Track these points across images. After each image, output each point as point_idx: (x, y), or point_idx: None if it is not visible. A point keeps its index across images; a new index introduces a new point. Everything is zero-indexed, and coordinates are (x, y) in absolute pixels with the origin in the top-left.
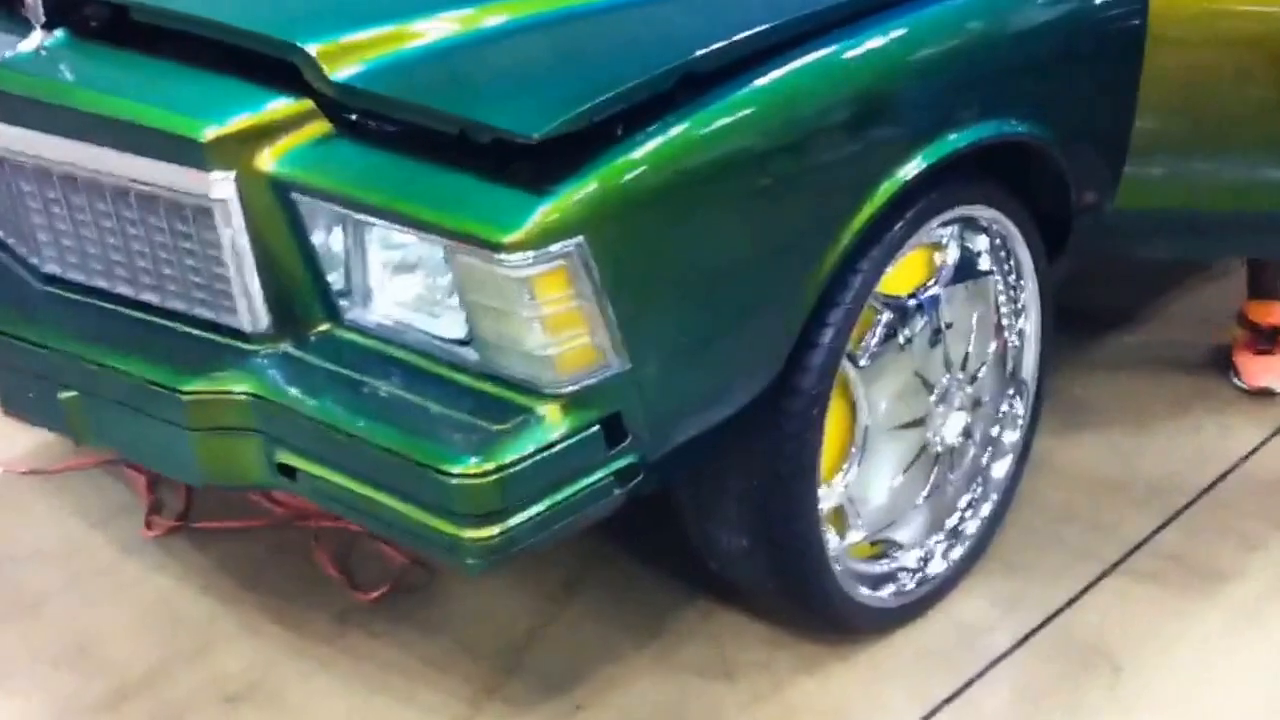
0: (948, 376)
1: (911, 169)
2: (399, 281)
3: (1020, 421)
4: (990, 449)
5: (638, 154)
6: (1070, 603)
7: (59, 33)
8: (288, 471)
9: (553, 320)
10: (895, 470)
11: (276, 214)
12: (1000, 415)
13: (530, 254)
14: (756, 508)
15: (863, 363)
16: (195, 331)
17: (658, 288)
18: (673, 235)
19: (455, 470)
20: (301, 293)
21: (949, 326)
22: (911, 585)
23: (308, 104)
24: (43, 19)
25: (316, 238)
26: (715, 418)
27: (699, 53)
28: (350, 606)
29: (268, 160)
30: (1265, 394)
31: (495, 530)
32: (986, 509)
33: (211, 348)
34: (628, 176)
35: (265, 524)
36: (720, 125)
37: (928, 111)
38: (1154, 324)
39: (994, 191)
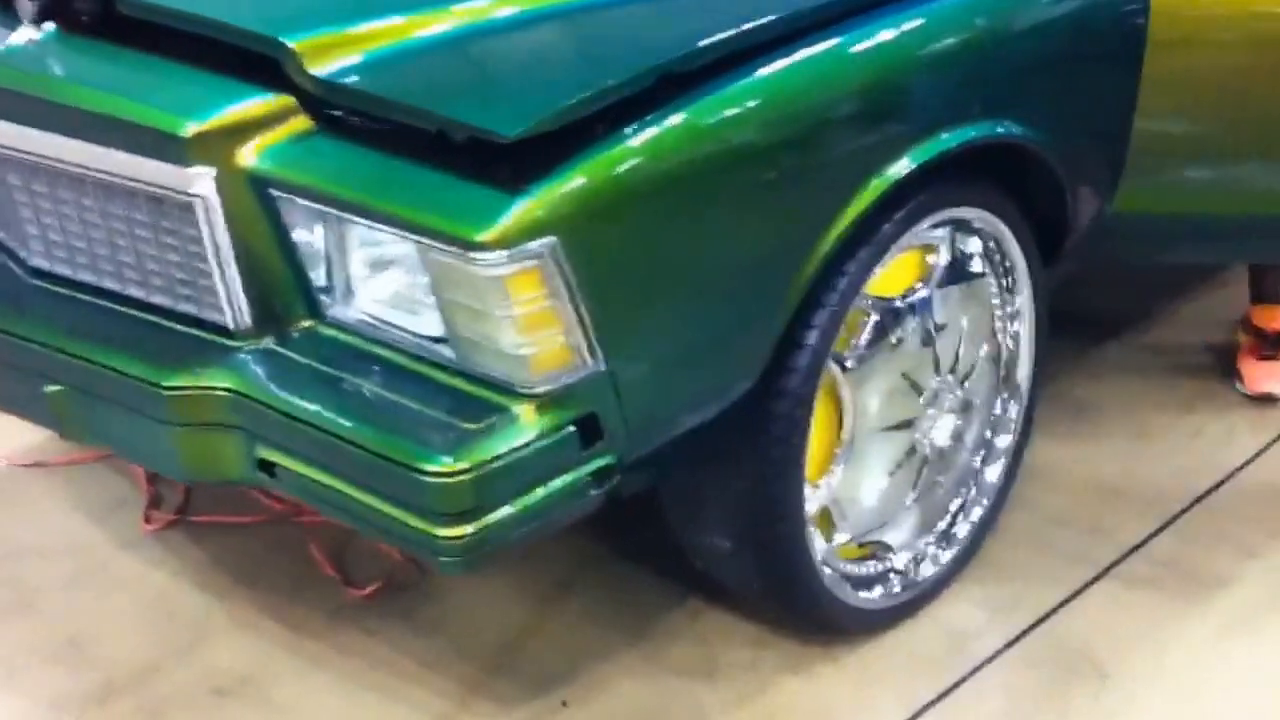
0: (938, 379)
1: (897, 171)
2: (379, 279)
3: (1014, 425)
4: (983, 452)
5: (614, 154)
6: (1060, 607)
7: (48, 27)
8: (267, 467)
9: (526, 320)
10: (883, 472)
11: (256, 210)
12: (993, 419)
13: (503, 253)
14: (741, 509)
15: (850, 364)
16: (179, 327)
17: (634, 288)
18: (650, 236)
19: (429, 468)
20: (283, 289)
21: (940, 329)
22: (901, 588)
23: (289, 100)
24: (32, 13)
25: (297, 234)
26: (696, 419)
27: (680, 52)
28: (344, 603)
29: (248, 156)
30: (1268, 399)
31: (469, 529)
32: (978, 512)
33: (194, 343)
34: (603, 176)
35: (262, 519)
36: (700, 125)
37: (915, 112)
38: (1158, 328)
39: (987, 194)
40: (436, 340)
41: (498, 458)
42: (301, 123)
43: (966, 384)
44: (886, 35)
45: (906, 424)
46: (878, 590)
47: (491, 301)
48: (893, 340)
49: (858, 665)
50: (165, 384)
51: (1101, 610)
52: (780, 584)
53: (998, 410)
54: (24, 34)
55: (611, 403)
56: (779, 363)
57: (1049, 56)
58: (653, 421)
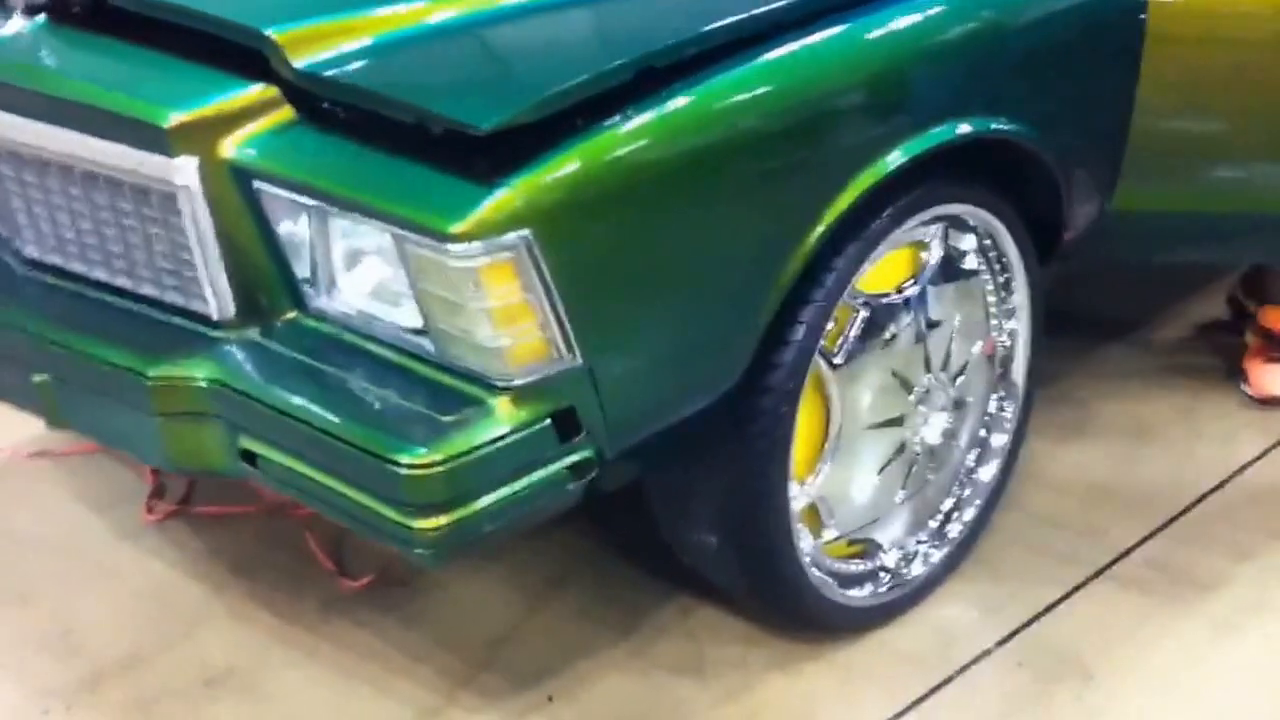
0: (928, 376)
1: (884, 168)
2: (360, 271)
3: (1008, 424)
4: (977, 451)
5: (590, 147)
6: (1049, 609)
7: (40, 18)
8: (249, 458)
9: (501, 312)
10: (872, 469)
11: (239, 201)
12: (988, 417)
13: (476, 245)
14: (725, 505)
15: (838, 361)
16: (165, 317)
17: (612, 283)
18: (629, 230)
19: (403, 460)
20: (267, 281)
21: (931, 326)
22: (891, 586)
23: (273, 91)
24: (24, 4)
25: (279, 225)
26: (679, 414)
27: (660, 46)
28: (337, 595)
29: (230, 147)
30: (1273, 403)
31: (444, 521)
32: (970, 512)
33: (180, 333)
34: (579, 170)
35: (263, 510)
36: (681, 119)
37: (904, 108)
38: (1162, 329)
39: (980, 191)
40: (416, 333)
41: (472, 450)
42: (285, 114)
43: (959, 382)
44: (873, 30)
45: (896, 421)
46: (867, 588)
47: (465, 294)
48: (883, 337)
49: (844, 663)
50: (149, 374)
51: (1092, 611)
52: (765, 581)
53: (993, 409)
54: (15, 24)
55: (590, 397)
56: (764, 358)
57: (1045, 53)
58: (633, 416)
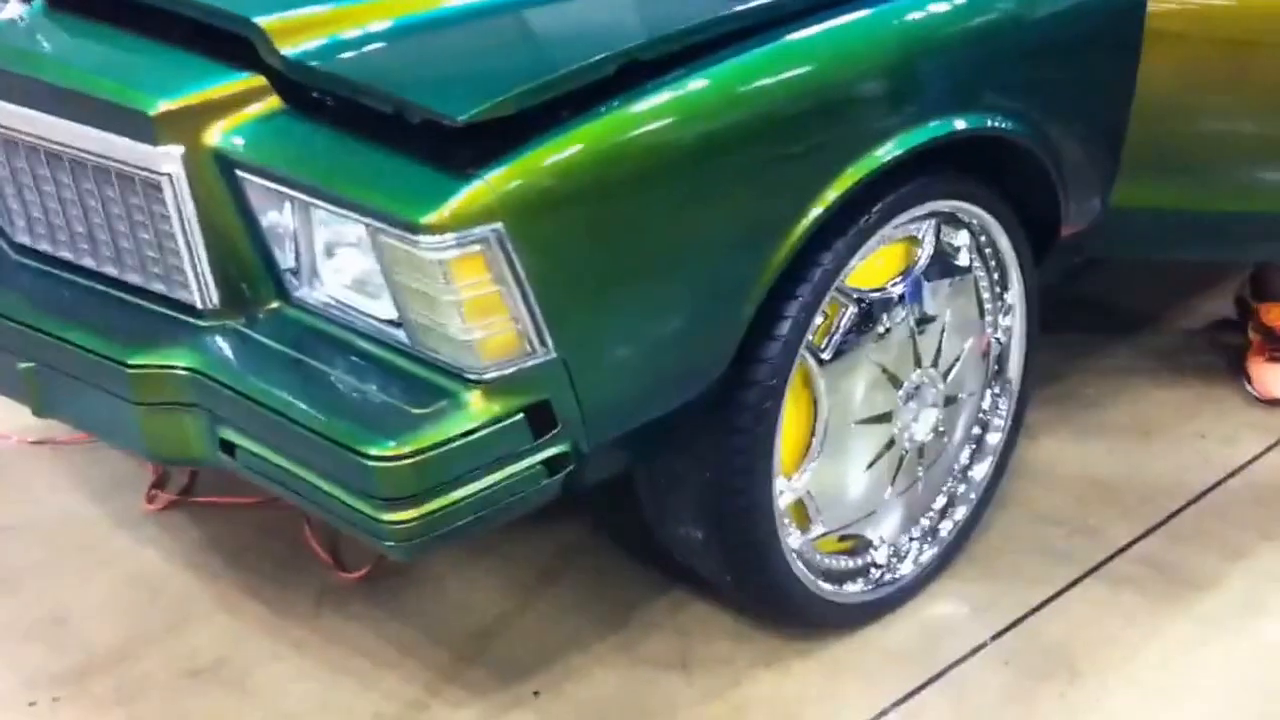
0: (918, 372)
1: (875, 162)
2: (340, 261)
3: (1004, 422)
4: (971, 448)
5: (566, 141)
6: (1041, 607)
7: (36, 4)
8: (228, 448)
9: (472, 305)
10: (860, 465)
11: (223, 190)
12: (983, 414)
13: (445, 237)
14: (710, 500)
15: (825, 356)
16: (150, 306)
17: (587, 277)
18: (605, 225)
19: (372, 452)
20: (250, 270)
21: (924, 322)
22: (881, 583)
23: (260, 80)
24: None
25: (262, 214)
26: (659, 409)
27: (642, 40)
28: (330, 588)
29: (215, 135)
30: (1277, 404)
31: (413, 514)
32: (963, 510)
33: (163, 322)
34: (553, 163)
35: (263, 501)
36: (662, 113)
37: (895, 103)
38: (1169, 327)
39: (973, 187)
40: (392, 324)
41: (443, 443)
42: (273, 104)
43: (950, 378)
44: (863, 26)
45: (884, 417)
46: (856, 585)
47: (436, 286)
48: (873, 333)
49: (832, 660)
50: (129, 362)
51: (1082, 610)
52: (750, 576)
53: (987, 405)
54: (11, 9)
55: (565, 391)
56: (750, 353)
57: (1043, 50)
58: (611, 411)
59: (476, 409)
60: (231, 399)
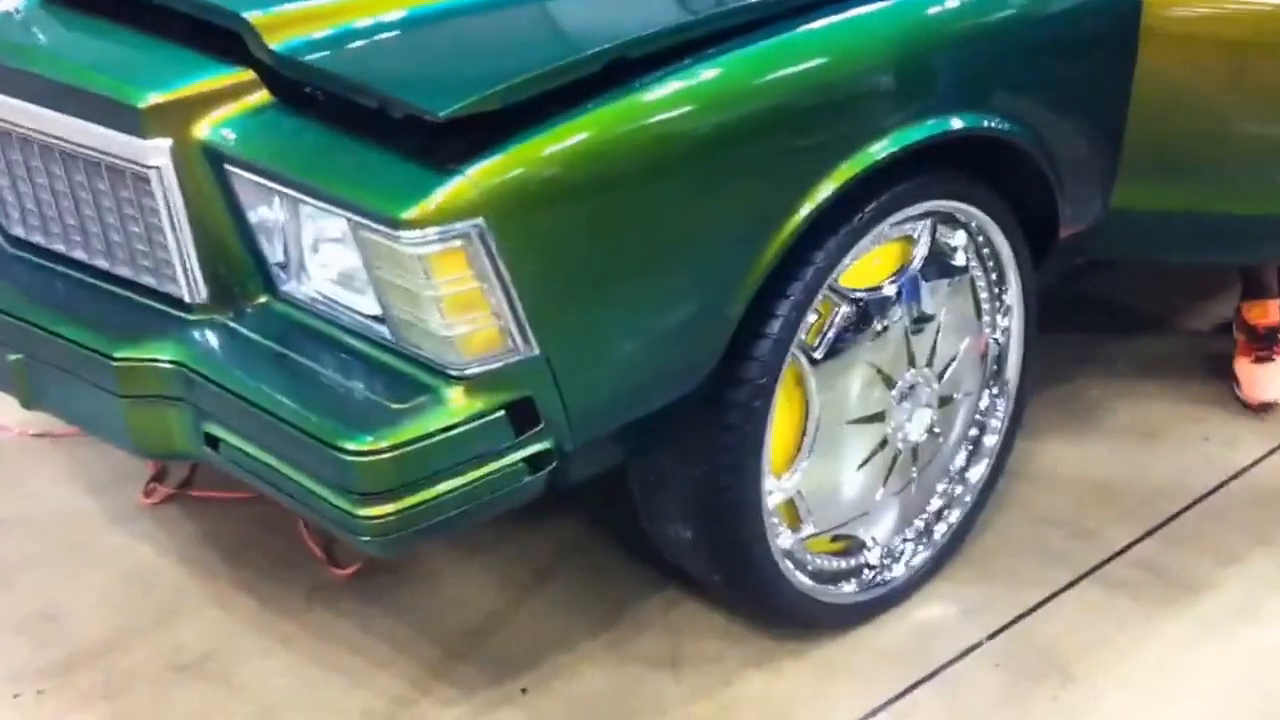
0: (912, 372)
1: (868, 159)
2: (326, 256)
3: (1000, 424)
4: (968, 450)
5: (550, 137)
6: (1035, 609)
7: None
8: (212, 442)
9: (453, 301)
10: (852, 465)
11: (211, 183)
12: (980, 416)
13: (426, 231)
14: (699, 499)
15: (818, 355)
16: (140, 299)
17: (571, 273)
18: (590, 222)
19: (350, 447)
20: (238, 264)
21: (919, 321)
22: (873, 584)
23: (248, 74)
24: None
25: (250, 209)
26: (645, 408)
27: (631, 37)
28: (321, 584)
29: (204, 129)
30: (1268, 408)
31: (390, 509)
32: (958, 511)
33: (152, 316)
34: (537, 159)
35: (260, 496)
36: (649, 110)
37: (891, 101)
38: (1175, 330)
39: (969, 187)
40: (376, 320)
41: (421, 439)
42: (262, 98)
43: (945, 378)
44: (856, 25)
45: (877, 417)
46: (848, 585)
47: (417, 281)
48: (866, 332)
49: (823, 660)
50: (115, 355)
51: (1076, 612)
52: (738, 575)
53: (984, 406)
54: (9, 3)
55: (549, 388)
56: (740, 351)
57: (1040, 51)
58: (595, 409)
59: (457, 405)
60: (215, 393)
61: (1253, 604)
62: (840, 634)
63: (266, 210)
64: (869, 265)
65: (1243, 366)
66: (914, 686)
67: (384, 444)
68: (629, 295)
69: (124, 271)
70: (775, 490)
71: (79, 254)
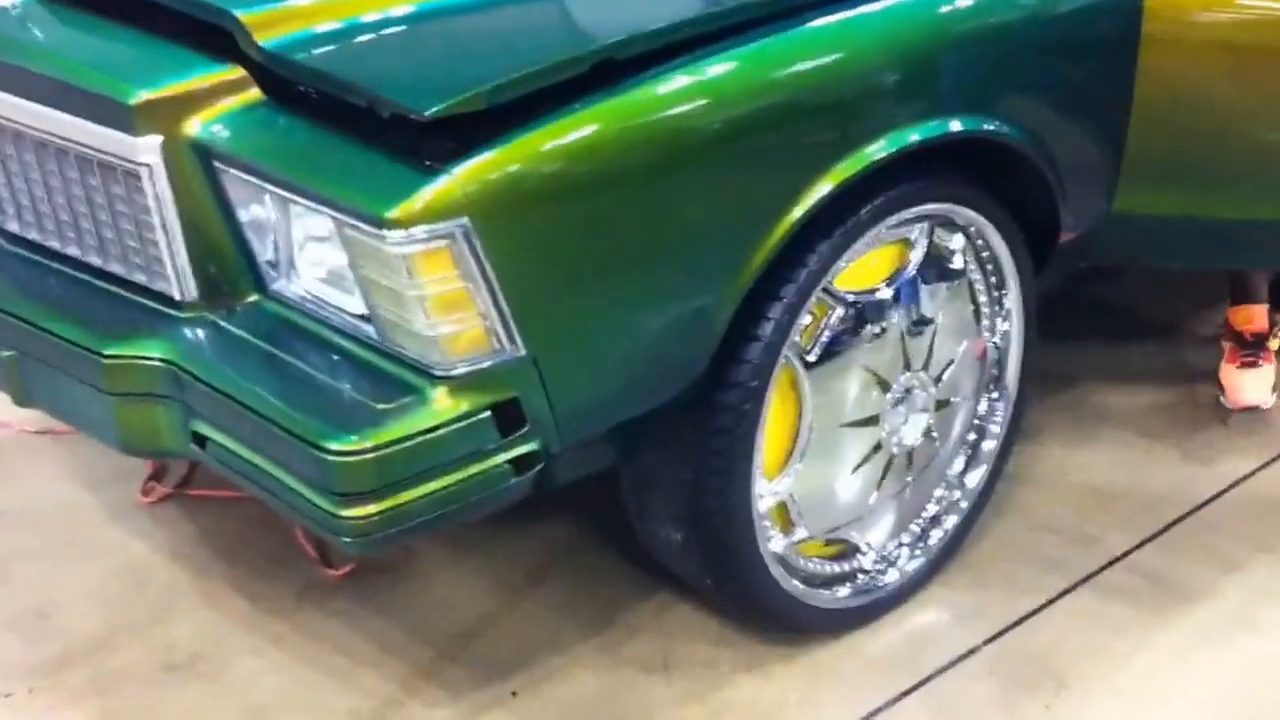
0: (907, 375)
1: (864, 159)
2: (315, 255)
3: (999, 429)
4: (966, 455)
5: (538, 136)
6: (1030, 616)
7: None
8: (200, 441)
9: (437, 301)
10: (846, 469)
11: (201, 181)
12: (977, 420)
13: (410, 231)
14: (688, 501)
15: (811, 358)
16: (131, 296)
17: (558, 273)
18: (577, 221)
19: (332, 446)
20: (228, 262)
21: (918, 324)
22: (868, 589)
23: (239, 72)
24: None
25: (239, 206)
26: (634, 409)
27: (620, 38)
28: (313, 583)
29: (194, 126)
30: (1252, 411)
31: (372, 510)
32: (954, 517)
33: (142, 313)
34: (524, 159)
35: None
36: (638, 109)
37: (888, 103)
38: (1181, 338)
39: (967, 191)
40: (363, 319)
41: (404, 439)
42: (253, 96)
43: (942, 382)
44: (850, 26)
45: (871, 421)
46: (841, 590)
47: (401, 280)
48: (861, 335)
49: (813, 665)
50: (104, 352)
51: (1071, 620)
52: (728, 578)
53: (983, 411)
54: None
55: (535, 389)
56: (731, 354)
57: (1040, 55)
58: (583, 411)
59: (441, 405)
60: (202, 391)
61: (1250, 613)
62: (832, 639)
63: (256, 208)
64: (865, 268)
65: (1228, 372)
66: (904, 694)
67: (367, 444)
68: (616, 296)
69: (116, 268)
70: (767, 494)
71: (72, 250)
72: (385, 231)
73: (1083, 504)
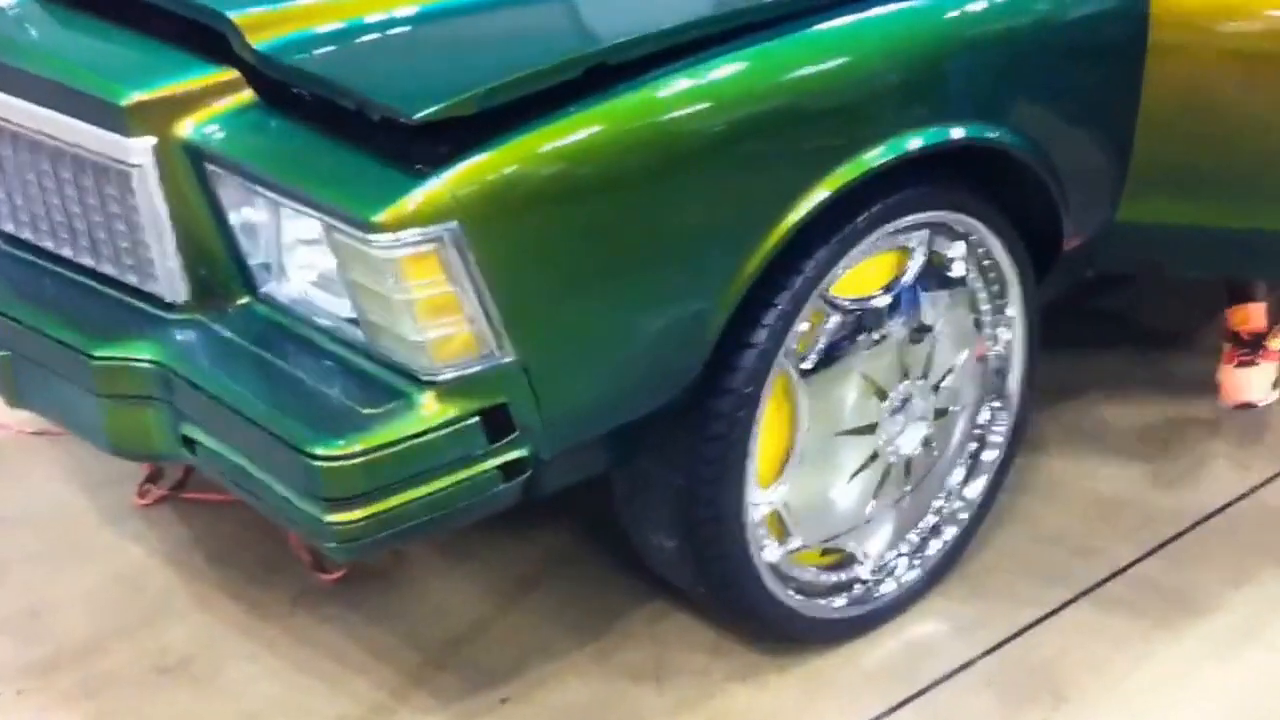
0: (905, 384)
1: (862, 166)
2: (305, 258)
3: (1001, 439)
4: (967, 465)
5: (528, 141)
6: (1030, 627)
7: None
8: (189, 444)
9: (425, 305)
10: (841, 478)
11: (193, 182)
12: (978, 430)
13: (398, 235)
14: (682, 509)
15: (807, 365)
16: (123, 298)
17: (548, 278)
18: (568, 226)
19: (318, 451)
20: (219, 265)
21: (919, 331)
22: (865, 598)
23: (232, 73)
24: None
25: (231, 208)
26: (625, 416)
27: (613, 43)
28: (306, 589)
29: (186, 128)
30: (1247, 409)
31: (358, 515)
32: (954, 528)
33: (133, 315)
34: (514, 163)
35: None
36: (631, 114)
37: (877, 112)
38: (1191, 348)
39: (968, 198)
40: (352, 323)
41: (391, 444)
42: (246, 98)
43: (941, 391)
44: (848, 32)
45: (868, 429)
46: (838, 600)
47: (388, 284)
48: (859, 343)
49: (808, 676)
50: (94, 354)
51: (1073, 632)
52: (720, 587)
53: (985, 420)
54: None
55: (525, 395)
56: (725, 361)
57: (1044, 63)
58: (573, 417)
59: (429, 411)
60: (191, 394)
61: (1258, 625)
62: (829, 649)
63: (247, 210)
64: (864, 275)
65: (1225, 372)
66: (901, 705)
67: (353, 449)
68: (608, 301)
69: (109, 270)
70: (761, 501)
71: (66, 251)
72: (372, 235)
73: (1087, 514)
